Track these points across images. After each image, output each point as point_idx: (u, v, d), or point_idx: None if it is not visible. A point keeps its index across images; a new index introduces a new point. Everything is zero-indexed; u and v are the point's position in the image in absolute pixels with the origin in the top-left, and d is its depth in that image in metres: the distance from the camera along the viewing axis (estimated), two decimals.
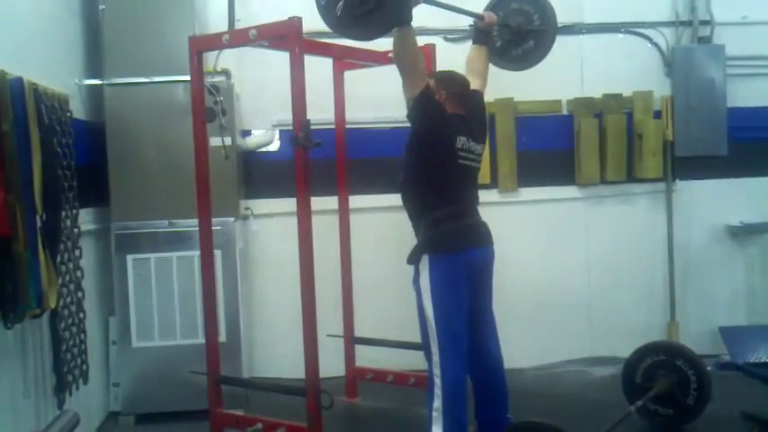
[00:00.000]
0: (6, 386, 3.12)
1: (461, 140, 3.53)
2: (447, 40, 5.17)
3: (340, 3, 3.24)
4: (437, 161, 3.49)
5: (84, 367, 3.70)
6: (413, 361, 4.66)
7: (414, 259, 3.54)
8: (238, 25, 4.67)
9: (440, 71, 3.78)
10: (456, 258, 3.47)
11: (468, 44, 5.07)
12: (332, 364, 4.39)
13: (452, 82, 3.65)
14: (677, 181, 5.37)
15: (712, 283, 5.39)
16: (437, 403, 3.43)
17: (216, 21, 4.79)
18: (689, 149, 5.33)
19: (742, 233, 5.35)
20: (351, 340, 4.67)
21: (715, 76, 5.31)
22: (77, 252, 3.66)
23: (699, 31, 5.34)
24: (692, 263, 5.39)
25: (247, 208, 4.91)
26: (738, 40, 5.33)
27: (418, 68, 3.39)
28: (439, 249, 3.46)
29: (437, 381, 3.43)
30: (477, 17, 3.94)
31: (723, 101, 5.32)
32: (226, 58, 4.49)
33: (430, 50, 4.37)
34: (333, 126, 4.61)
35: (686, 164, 5.35)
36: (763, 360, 4.67)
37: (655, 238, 5.37)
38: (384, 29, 3.26)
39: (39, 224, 3.18)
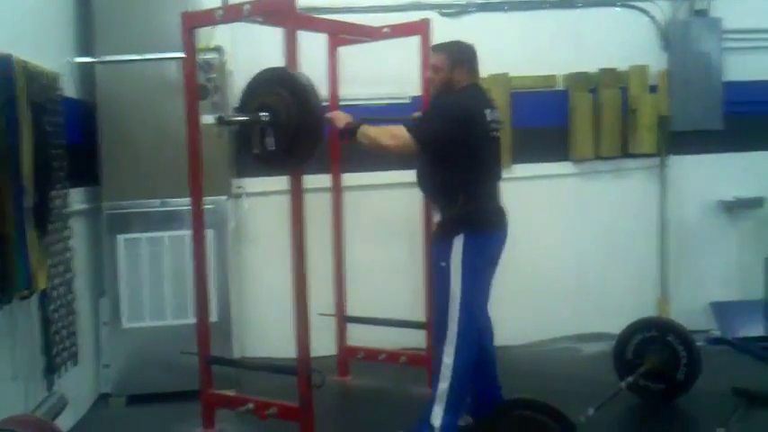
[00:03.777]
0: None
1: (488, 113, 3.53)
2: (443, 14, 5.12)
3: (268, 138, 3.29)
4: (474, 141, 3.46)
5: (74, 349, 3.70)
6: (405, 339, 4.71)
7: (449, 235, 3.46)
8: (232, 1, 4.63)
9: (448, 45, 3.66)
10: (491, 237, 3.52)
11: (465, 18, 5.07)
12: (324, 344, 4.39)
13: (469, 53, 3.63)
14: (671, 156, 5.34)
15: (705, 259, 5.39)
16: (444, 384, 3.42)
17: None
18: (684, 124, 5.31)
19: (735, 208, 5.35)
20: (343, 319, 4.67)
21: (711, 50, 5.27)
22: (67, 232, 3.65)
23: (696, 3, 5.29)
24: (686, 238, 5.39)
25: (240, 186, 4.88)
26: (735, 13, 5.29)
27: (400, 145, 3.39)
28: (477, 227, 3.46)
29: (448, 361, 3.42)
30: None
31: (719, 75, 5.29)
32: (219, 35, 4.45)
33: (425, 26, 4.30)
34: (326, 103, 4.57)
35: (681, 139, 5.32)
36: (752, 334, 4.72)
37: (649, 214, 5.38)
38: (309, 156, 3.37)
39: (28, 204, 3.15)
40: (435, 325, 3.58)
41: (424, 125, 3.45)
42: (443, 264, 3.46)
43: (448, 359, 3.42)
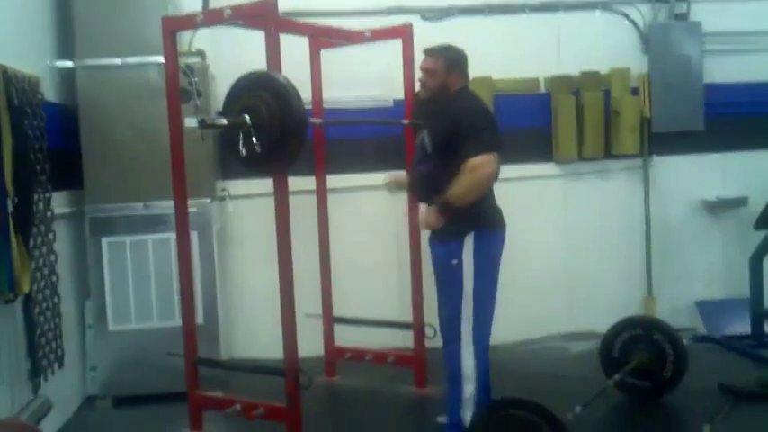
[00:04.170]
0: None
1: None
2: (425, 18, 5.13)
3: (255, 139, 3.23)
4: None
5: (60, 352, 3.69)
6: (391, 340, 4.70)
7: (459, 234, 3.40)
8: (212, 4, 4.63)
9: (443, 49, 3.61)
10: (498, 236, 3.50)
11: (446, 22, 5.06)
12: (310, 344, 4.36)
13: (462, 57, 3.62)
14: (654, 157, 5.38)
15: (689, 258, 5.42)
16: (470, 387, 3.38)
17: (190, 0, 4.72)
18: (666, 125, 5.34)
19: (718, 208, 5.40)
20: (329, 320, 4.67)
21: (692, 53, 5.31)
22: (51, 236, 3.64)
23: (675, 7, 5.33)
24: (670, 238, 5.42)
25: (224, 189, 4.85)
26: (715, 16, 5.33)
27: (493, 169, 3.36)
28: (486, 226, 3.44)
29: (470, 361, 3.38)
30: None
31: (699, 77, 5.32)
32: (200, 39, 4.44)
33: (407, 30, 4.34)
34: (310, 106, 4.56)
35: (663, 140, 5.36)
36: (737, 332, 4.75)
37: (632, 214, 5.40)
38: (292, 158, 3.32)
39: (10, 208, 3.14)
40: (445, 324, 3.49)
41: (486, 138, 3.36)
42: (455, 261, 3.39)
43: (470, 359, 3.38)
